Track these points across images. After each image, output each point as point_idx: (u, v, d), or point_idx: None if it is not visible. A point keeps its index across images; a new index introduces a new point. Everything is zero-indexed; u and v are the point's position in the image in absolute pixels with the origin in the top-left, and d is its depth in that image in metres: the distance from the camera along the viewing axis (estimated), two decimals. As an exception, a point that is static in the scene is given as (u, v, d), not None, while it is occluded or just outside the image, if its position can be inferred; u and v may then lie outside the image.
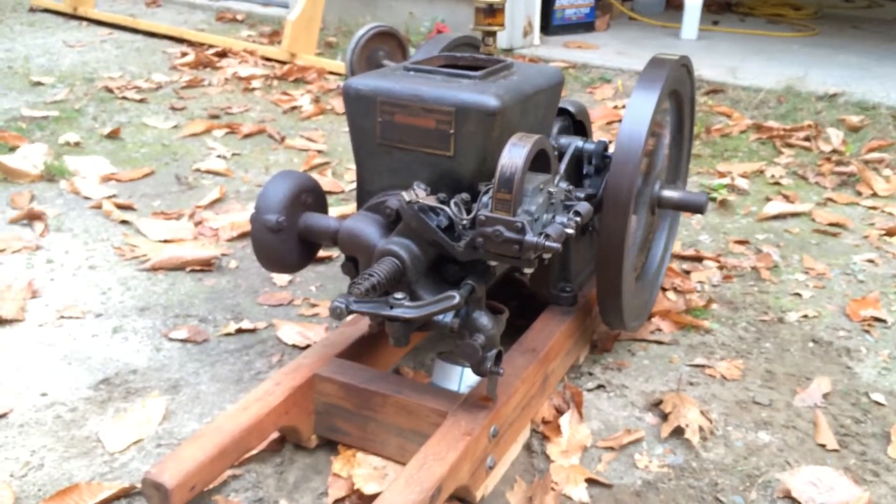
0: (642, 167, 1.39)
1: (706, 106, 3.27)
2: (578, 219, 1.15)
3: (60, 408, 1.43)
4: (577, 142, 1.50)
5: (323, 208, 1.37)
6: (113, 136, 2.83)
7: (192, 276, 1.91)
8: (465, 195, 1.15)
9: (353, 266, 1.30)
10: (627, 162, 1.31)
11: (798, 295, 1.89)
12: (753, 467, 1.33)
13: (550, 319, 1.49)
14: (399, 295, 1.14)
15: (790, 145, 2.87)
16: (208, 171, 2.54)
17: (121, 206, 2.24)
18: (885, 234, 2.20)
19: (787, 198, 2.43)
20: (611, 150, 1.53)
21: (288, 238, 1.30)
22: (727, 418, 1.45)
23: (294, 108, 3.24)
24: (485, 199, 1.12)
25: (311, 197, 1.34)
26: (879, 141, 2.84)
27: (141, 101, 3.25)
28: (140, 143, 2.78)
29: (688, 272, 1.98)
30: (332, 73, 3.71)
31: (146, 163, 2.60)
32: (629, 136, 1.33)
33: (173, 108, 3.17)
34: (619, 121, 3.10)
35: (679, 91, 1.57)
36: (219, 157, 2.66)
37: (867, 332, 1.73)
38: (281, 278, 1.90)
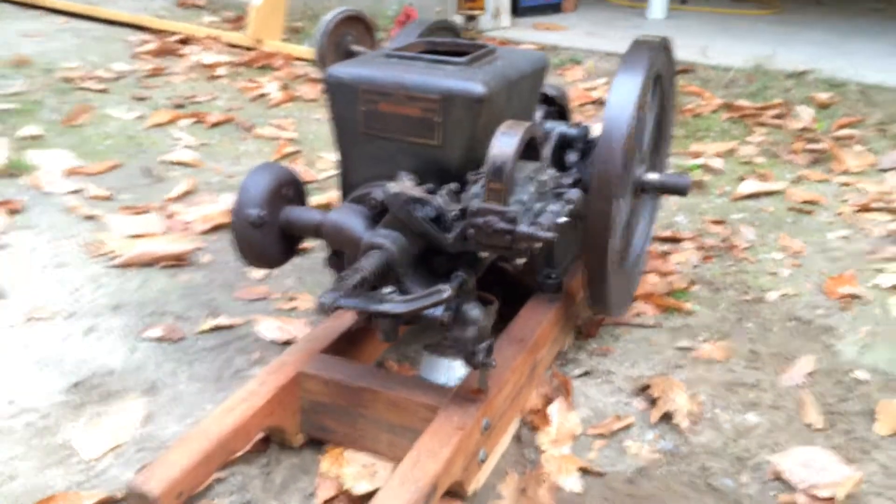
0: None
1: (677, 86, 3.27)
2: (571, 206, 1.13)
3: (32, 414, 1.38)
4: (561, 127, 1.48)
5: (302, 201, 1.34)
6: (71, 123, 2.73)
7: (166, 272, 1.86)
8: (453, 185, 1.12)
9: (338, 259, 1.27)
10: (614, 147, 1.30)
11: (776, 274, 1.90)
12: (743, 450, 1.33)
13: (536, 307, 1.47)
14: (388, 289, 1.11)
15: (762, 124, 2.89)
16: (177, 163, 2.47)
17: (96, 198, 2.16)
18: (859, 210, 2.22)
19: (761, 176, 2.44)
20: (592, 134, 1.51)
21: (270, 232, 1.27)
22: (714, 400, 1.45)
23: (262, 95, 3.17)
24: (474, 188, 1.09)
25: (292, 190, 1.31)
26: (849, 118, 2.87)
27: (102, 91, 3.15)
28: (104, 135, 2.69)
29: (667, 254, 1.98)
30: (299, 59, 3.63)
31: (111, 155, 2.52)
32: (615, 120, 1.31)
33: (136, 98, 3.08)
34: (591, 102, 3.10)
35: (661, 74, 1.55)
36: (186, 147, 2.59)
37: (845, 309, 1.75)
38: (257, 272, 1.85)
